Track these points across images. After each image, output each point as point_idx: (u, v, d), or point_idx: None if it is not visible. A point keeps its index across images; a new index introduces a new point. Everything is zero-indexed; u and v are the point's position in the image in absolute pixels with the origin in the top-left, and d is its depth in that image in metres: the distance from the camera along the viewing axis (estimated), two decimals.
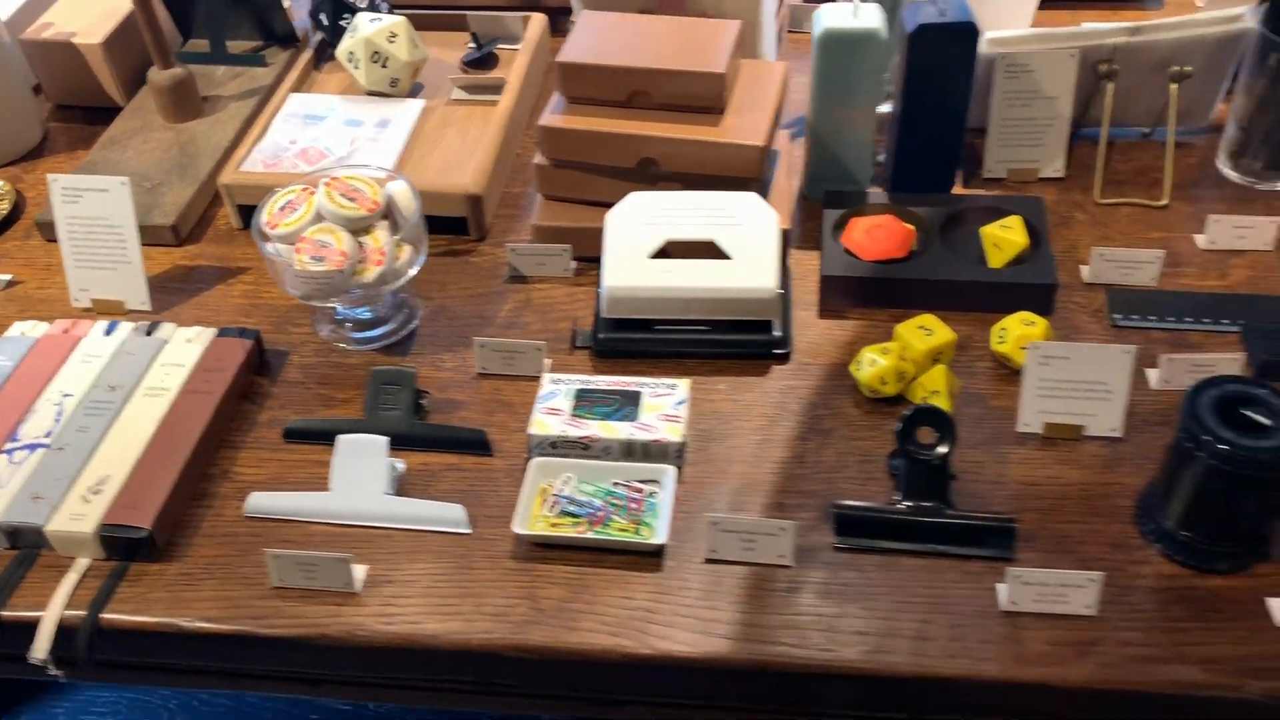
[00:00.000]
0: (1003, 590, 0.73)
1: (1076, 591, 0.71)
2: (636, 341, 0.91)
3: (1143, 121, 1.09)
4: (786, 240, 0.99)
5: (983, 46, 1.02)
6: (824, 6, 0.97)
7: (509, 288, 0.99)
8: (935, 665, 0.70)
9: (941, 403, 0.84)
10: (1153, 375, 0.86)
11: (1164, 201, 1.03)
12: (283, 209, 0.91)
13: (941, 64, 0.96)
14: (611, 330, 0.92)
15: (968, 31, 0.94)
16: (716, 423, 0.87)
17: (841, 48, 0.95)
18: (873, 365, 0.86)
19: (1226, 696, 0.68)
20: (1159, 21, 1.03)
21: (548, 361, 0.91)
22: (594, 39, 0.99)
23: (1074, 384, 0.81)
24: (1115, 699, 0.69)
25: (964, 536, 0.76)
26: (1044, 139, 1.05)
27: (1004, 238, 0.94)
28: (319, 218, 0.89)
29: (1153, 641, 0.70)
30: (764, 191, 1.00)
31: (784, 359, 0.91)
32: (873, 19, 0.95)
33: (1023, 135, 1.05)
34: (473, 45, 1.21)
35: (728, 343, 0.91)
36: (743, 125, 0.96)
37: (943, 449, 0.77)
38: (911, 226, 0.97)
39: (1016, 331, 0.87)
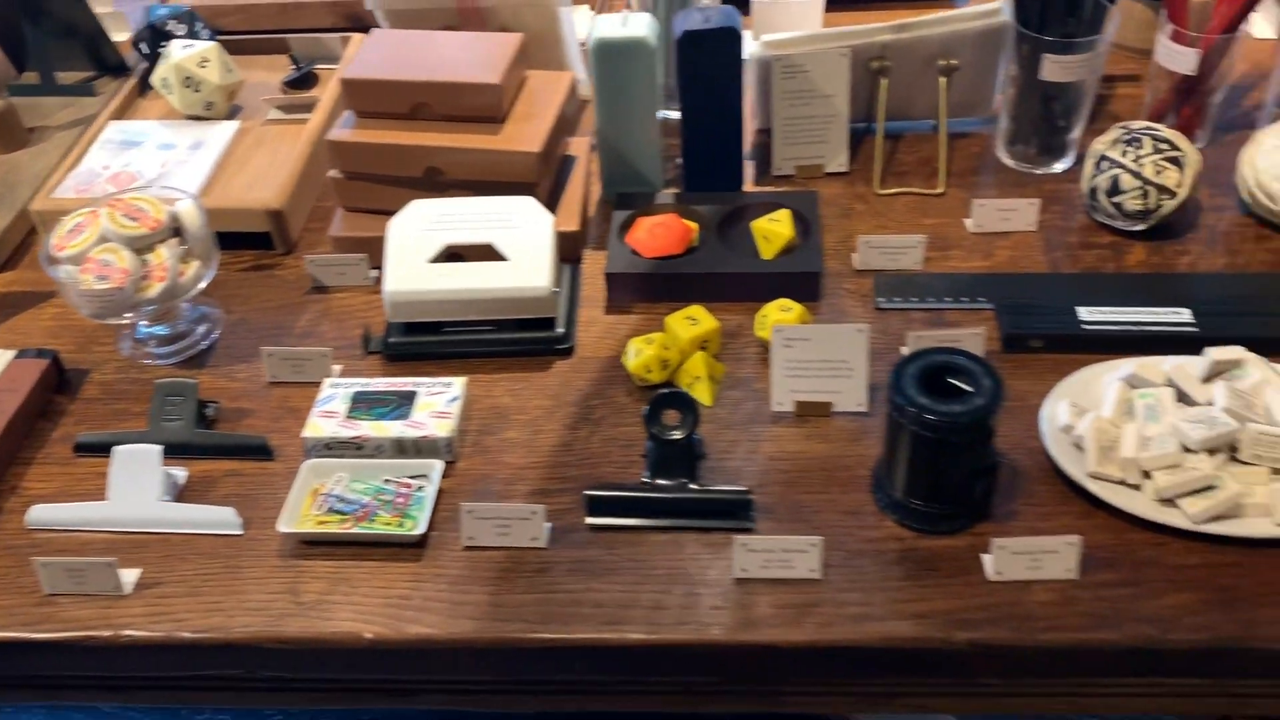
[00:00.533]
0: (735, 559, 0.77)
1: (800, 556, 0.75)
2: (424, 344, 0.95)
3: (928, 114, 1.14)
4: (579, 241, 1.04)
5: (759, 49, 1.07)
6: (598, 18, 1.02)
7: (310, 298, 1.03)
8: (665, 634, 0.74)
9: (703, 388, 0.88)
10: (905, 352, 0.91)
11: (940, 190, 1.09)
12: (70, 232, 0.93)
13: (710, 68, 1.01)
14: (400, 334, 0.95)
15: (730, 36, 0.99)
16: (495, 417, 0.90)
17: (615, 56, 1.00)
18: (638, 355, 0.89)
19: (936, 648, 0.72)
20: (923, 19, 1.08)
21: (336, 367, 0.95)
22: (379, 55, 1.03)
23: (818, 364, 0.86)
24: (831, 655, 0.73)
25: (704, 510, 0.80)
26: (825, 135, 1.10)
27: (772, 230, 0.99)
28: (103, 239, 0.93)
29: (870, 601, 0.75)
30: (554, 195, 1.05)
31: (566, 354, 0.95)
32: (641, 28, 0.99)
33: (805, 133, 1.10)
34: (294, 67, 1.25)
35: (511, 341, 0.95)
36: (521, 133, 1.00)
37: (678, 432, 0.81)
38: (693, 224, 1.02)
39: (773, 317, 0.91)
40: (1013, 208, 1.02)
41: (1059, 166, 1.09)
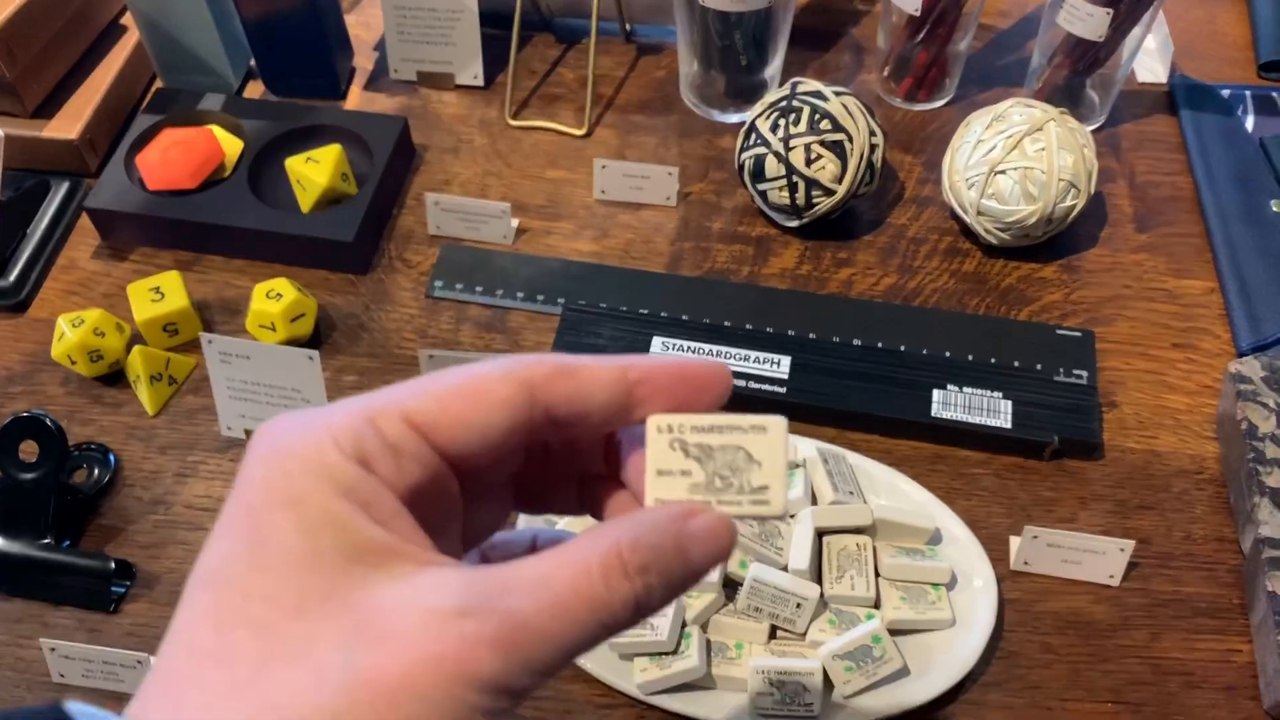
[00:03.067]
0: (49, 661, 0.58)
1: None
2: None
3: (609, 12, 0.89)
4: (81, 154, 0.80)
5: None
6: None
7: None
8: None
9: (144, 390, 0.67)
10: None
11: (582, 130, 0.85)
12: None
13: None
14: None
15: None
16: None
17: None
18: (61, 340, 0.69)
19: None
20: None
21: None
22: None
23: (266, 389, 0.65)
24: None
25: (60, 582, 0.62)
26: (452, 35, 0.85)
27: (306, 175, 0.74)
28: None
29: None
30: (65, 84, 0.79)
31: (15, 310, 0.75)
32: None
33: (426, 29, 0.84)
34: None
35: None
36: None
37: (31, 473, 0.60)
38: (235, 145, 0.79)
39: (255, 306, 0.70)
40: (645, 174, 0.78)
41: (738, 117, 0.83)
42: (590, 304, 0.72)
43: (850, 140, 0.71)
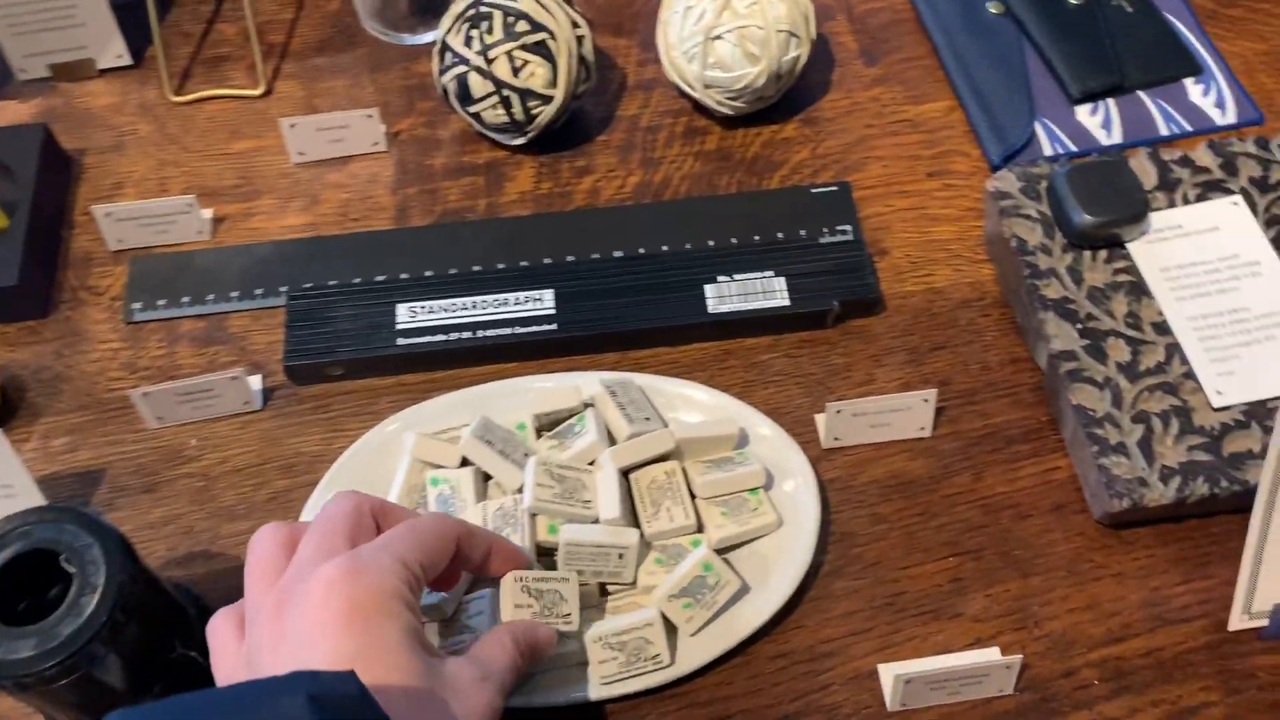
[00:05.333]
0: None
1: None
2: None
3: None
4: None
5: None
6: None
7: None
8: None
9: None
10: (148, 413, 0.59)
11: (259, 90, 0.75)
12: None
13: None
14: None
15: None
16: None
17: None
18: None
19: None
20: None
21: None
22: None
23: None
24: None
25: None
26: (77, 14, 0.72)
27: None
28: None
29: None
30: None
31: None
32: None
33: (44, 13, 0.71)
34: None
35: None
36: None
37: None
38: None
39: None
40: (343, 123, 0.69)
41: (431, 36, 0.75)
42: (317, 285, 0.63)
43: (554, 37, 0.64)
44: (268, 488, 0.58)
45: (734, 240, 0.65)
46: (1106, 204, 0.58)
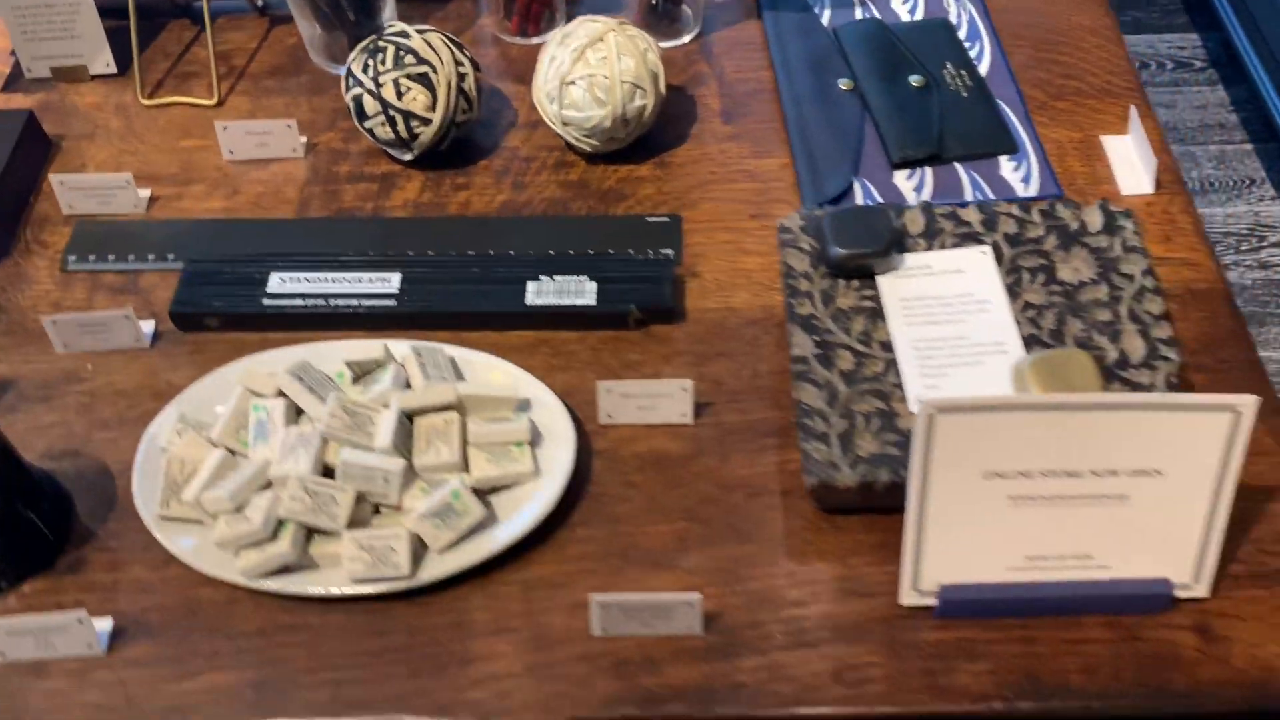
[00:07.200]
0: None
1: None
2: None
3: None
4: None
5: None
6: None
7: None
8: None
9: None
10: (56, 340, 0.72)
11: (213, 100, 0.89)
12: None
13: None
14: None
15: None
16: None
17: None
18: None
19: None
20: None
21: None
22: None
23: None
24: None
25: None
26: (75, 28, 0.88)
27: None
28: None
29: None
30: None
31: None
32: None
33: (49, 25, 0.87)
34: None
35: None
36: None
37: None
38: None
39: None
40: (267, 130, 0.83)
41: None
42: (215, 254, 0.76)
43: (435, 71, 0.77)
44: (139, 408, 0.70)
45: (571, 251, 0.76)
46: (858, 241, 0.68)
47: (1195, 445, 0.56)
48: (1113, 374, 0.64)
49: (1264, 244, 1.86)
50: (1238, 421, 0.55)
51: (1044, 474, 0.56)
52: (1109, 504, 0.57)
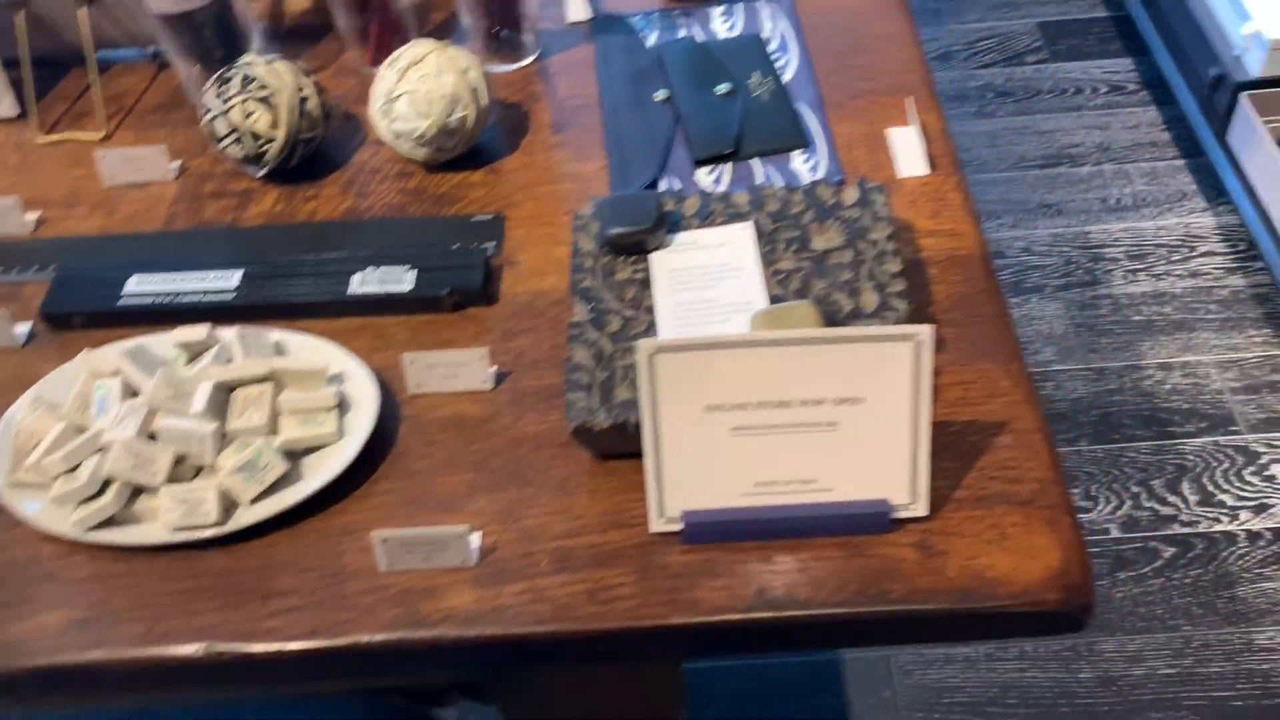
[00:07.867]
0: None
1: None
2: None
3: (134, 41, 1.04)
4: None
5: None
6: None
7: None
8: None
9: None
10: None
11: (101, 134, 0.99)
12: None
13: None
14: None
15: None
16: None
17: None
18: None
19: None
20: None
21: None
22: None
23: None
24: None
25: None
26: None
27: None
28: None
29: None
30: None
31: None
32: None
33: None
34: None
35: None
36: None
37: None
38: None
39: None
40: (141, 156, 0.93)
41: None
42: (87, 263, 0.85)
43: (278, 94, 0.87)
44: (5, 396, 0.78)
45: (400, 249, 0.85)
46: (627, 221, 0.76)
47: (887, 373, 0.63)
48: (844, 324, 0.71)
49: (1194, 254, 1.93)
50: (919, 349, 0.62)
51: (759, 405, 0.64)
52: (821, 431, 0.64)
